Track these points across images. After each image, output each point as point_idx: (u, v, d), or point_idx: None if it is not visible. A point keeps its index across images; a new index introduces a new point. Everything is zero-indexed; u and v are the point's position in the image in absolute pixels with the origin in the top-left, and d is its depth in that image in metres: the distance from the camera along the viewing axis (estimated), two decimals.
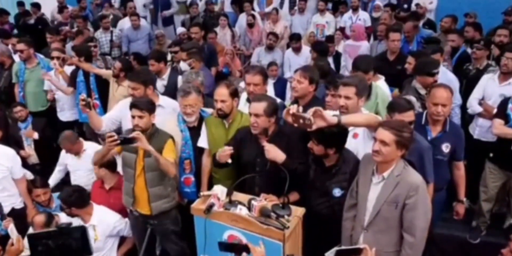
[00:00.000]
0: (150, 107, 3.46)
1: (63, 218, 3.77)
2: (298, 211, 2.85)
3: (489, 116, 4.42)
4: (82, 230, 2.86)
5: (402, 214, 2.71)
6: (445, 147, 3.49)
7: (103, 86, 5.35)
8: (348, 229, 2.98)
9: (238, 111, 3.65)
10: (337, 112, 2.99)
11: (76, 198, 3.64)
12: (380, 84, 4.21)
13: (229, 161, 3.18)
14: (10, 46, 6.46)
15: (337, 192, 3.08)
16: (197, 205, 2.95)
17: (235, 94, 3.57)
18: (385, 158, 2.68)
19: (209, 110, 3.91)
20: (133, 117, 3.43)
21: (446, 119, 3.52)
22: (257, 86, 3.73)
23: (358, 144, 3.23)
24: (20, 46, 5.64)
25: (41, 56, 5.97)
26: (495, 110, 4.32)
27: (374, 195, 2.79)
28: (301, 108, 2.71)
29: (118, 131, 4.02)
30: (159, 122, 3.61)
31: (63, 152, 4.74)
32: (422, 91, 4.09)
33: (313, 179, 3.14)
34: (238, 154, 3.31)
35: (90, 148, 4.59)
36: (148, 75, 4.01)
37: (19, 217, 3.95)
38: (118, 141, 3.24)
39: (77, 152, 4.59)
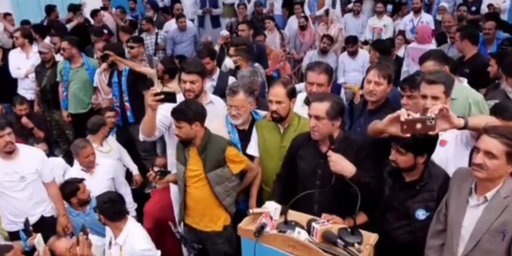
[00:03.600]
0: (189, 117, 2.95)
1: (94, 240, 3.36)
2: (371, 239, 2.28)
3: None
4: None
5: None
6: None
7: (135, 88, 5.05)
8: None
9: (295, 114, 3.13)
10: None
11: (108, 208, 3.21)
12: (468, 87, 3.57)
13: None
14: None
15: (421, 214, 2.51)
16: (245, 225, 2.44)
17: (292, 94, 3.06)
18: (491, 174, 2.10)
19: (263, 113, 3.41)
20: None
21: None
22: (321, 87, 3.21)
23: (447, 153, 2.65)
24: (63, 44, 5.46)
25: (85, 57, 5.74)
26: None
27: (472, 221, 2.21)
28: (411, 112, 2.20)
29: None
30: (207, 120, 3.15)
31: (72, 169, 4.22)
32: None
33: (390, 197, 2.58)
34: (295, 163, 2.81)
35: (104, 162, 4.15)
36: (203, 66, 3.52)
37: (48, 226, 3.64)
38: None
39: (93, 164, 4.12)
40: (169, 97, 3.00)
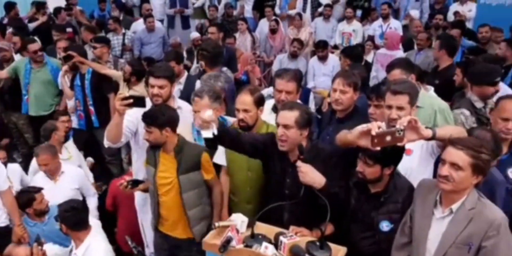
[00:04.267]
0: (160, 123, 2.86)
1: (55, 249, 3.22)
2: (339, 252, 2.26)
3: None
4: None
5: None
6: None
7: (99, 91, 4.91)
8: None
9: (264, 122, 3.07)
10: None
11: (71, 216, 3.06)
12: (434, 95, 3.61)
13: (213, 132, 2.53)
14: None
15: (385, 225, 2.49)
16: (211, 239, 2.37)
17: (260, 102, 2.98)
18: (457, 186, 2.10)
19: (231, 119, 3.33)
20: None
21: None
22: (290, 94, 3.16)
23: (412, 162, 2.63)
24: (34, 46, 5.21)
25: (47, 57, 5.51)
26: None
27: (438, 234, 2.20)
28: (383, 124, 2.19)
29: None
30: None
31: (36, 176, 4.01)
32: (479, 104, 3.50)
33: (355, 208, 2.55)
34: (265, 167, 2.77)
35: (70, 171, 3.94)
36: (172, 71, 3.44)
37: (3, 236, 3.45)
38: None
39: (54, 172, 3.91)
40: (138, 101, 2.90)
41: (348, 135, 2.44)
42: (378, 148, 2.18)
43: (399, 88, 2.64)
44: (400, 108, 2.61)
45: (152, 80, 3.23)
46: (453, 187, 2.10)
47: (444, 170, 2.10)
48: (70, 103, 5.19)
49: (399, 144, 2.18)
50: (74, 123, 5.01)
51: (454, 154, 2.08)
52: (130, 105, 2.88)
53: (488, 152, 2.09)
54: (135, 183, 3.01)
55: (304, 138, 2.61)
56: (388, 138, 2.13)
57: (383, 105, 2.86)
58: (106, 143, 3.20)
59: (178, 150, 2.95)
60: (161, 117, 2.87)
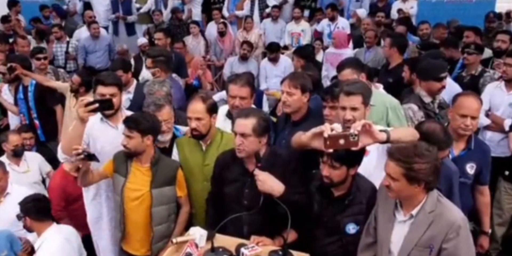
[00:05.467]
0: (143, 128, 2.74)
1: None
2: None
3: (499, 128, 3.98)
4: None
5: None
6: (470, 168, 2.96)
7: (43, 103, 4.72)
8: None
9: (218, 129, 2.98)
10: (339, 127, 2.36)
11: (31, 207, 3.05)
12: (384, 92, 3.66)
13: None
14: None
15: (351, 228, 2.45)
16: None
17: (213, 109, 2.90)
18: (399, 194, 2.15)
19: (184, 129, 3.23)
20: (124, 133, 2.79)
21: (471, 135, 3.00)
22: (244, 100, 3.11)
23: (370, 162, 2.62)
24: None
25: None
26: (506, 122, 3.87)
27: (400, 237, 2.20)
28: (338, 126, 2.17)
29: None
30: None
31: None
32: (427, 99, 3.57)
33: (319, 213, 2.49)
34: (220, 182, 2.67)
35: (17, 193, 3.57)
36: (119, 79, 3.32)
37: None
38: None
39: (2, 190, 3.62)
40: (105, 104, 2.74)
41: (302, 137, 2.42)
42: (331, 151, 2.18)
43: (351, 89, 2.63)
44: (354, 109, 2.60)
45: (102, 89, 3.05)
46: (396, 195, 2.15)
47: (386, 180, 2.14)
48: (14, 121, 4.92)
49: (353, 148, 2.17)
50: None
51: (389, 166, 2.11)
52: (95, 110, 2.70)
53: (422, 161, 2.05)
54: (90, 156, 2.68)
55: (263, 145, 2.54)
56: (342, 141, 2.13)
57: (338, 106, 2.86)
58: (63, 157, 2.98)
59: (155, 162, 2.84)
60: (145, 123, 2.76)
